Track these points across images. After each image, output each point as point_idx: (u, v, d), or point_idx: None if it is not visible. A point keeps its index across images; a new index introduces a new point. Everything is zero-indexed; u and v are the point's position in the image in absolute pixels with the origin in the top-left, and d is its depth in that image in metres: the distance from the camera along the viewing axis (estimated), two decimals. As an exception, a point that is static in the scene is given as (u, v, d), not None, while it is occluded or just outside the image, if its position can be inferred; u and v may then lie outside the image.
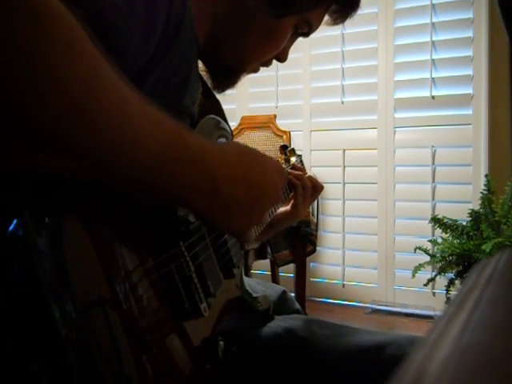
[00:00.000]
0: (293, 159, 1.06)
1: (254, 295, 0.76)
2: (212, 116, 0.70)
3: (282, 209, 0.99)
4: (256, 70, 0.77)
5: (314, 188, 1.00)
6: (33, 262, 0.34)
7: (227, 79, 0.75)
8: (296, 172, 0.99)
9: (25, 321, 0.35)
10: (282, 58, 0.76)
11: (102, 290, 0.40)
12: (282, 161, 1.05)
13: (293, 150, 1.08)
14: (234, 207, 0.52)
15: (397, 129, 2.77)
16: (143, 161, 0.40)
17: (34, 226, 0.35)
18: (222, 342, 0.54)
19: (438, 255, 2.31)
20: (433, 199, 2.64)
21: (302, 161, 1.08)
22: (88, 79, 0.35)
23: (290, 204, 0.99)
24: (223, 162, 0.50)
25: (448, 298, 2.38)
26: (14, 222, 0.35)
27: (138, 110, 0.40)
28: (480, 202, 2.31)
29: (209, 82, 0.76)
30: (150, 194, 0.44)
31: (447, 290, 2.35)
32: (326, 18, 0.75)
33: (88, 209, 0.41)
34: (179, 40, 0.55)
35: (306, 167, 1.09)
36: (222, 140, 0.72)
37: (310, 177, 1.00)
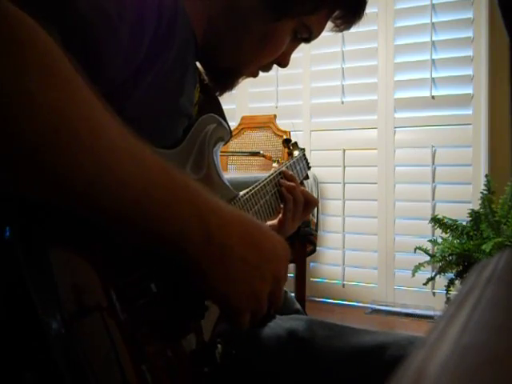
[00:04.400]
0: (296, 153, 1.04)
1: None
2: (211, 115, 0.70)
3: (269, 222, 0.84)
4: (255, 75, 0.74)
5: (307, 203, 0.86)
6: (21, 273, 0.34)
7: (224, 82, 0.73)
8: (288, 183, 0.84)
9: (13, 331, 0.35)
10: (282, 63, 0.73)
11: (96, 294, 0.40)
12: (284, 160, 1.04)
13: (296, 143, 1.06)
14: (230, 258, 0.46)
15: (397, 129, 2.76)
16: (122, 196, 0.39)
17: (23, 236, 0.35)
18: (219, 345, 0.54)
19: (437, 255, 2.31)
20: (433, 199, 2.64)
21: (304, 154, 1.06)
22: (63, 106, 0.35)
23: (278, 219, 0.85)
24: (216, 209, 0.46)
25: (448, 298, 2.38)
26: (6, 231, 0.35)
27: (118, 142, 0.39)
28: (480, 201, 2.30)
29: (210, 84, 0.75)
30: (136, 233, 0.42)
31: (447, 290, 2.34)
32: (330, 24, 0.74)
33: (80, 218, 0.41)
34: (173, 40, 0.55)
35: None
36: (221, 144, 0.71)
37: (303, 190, 0.87)
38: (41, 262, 0.36)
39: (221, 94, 0.75)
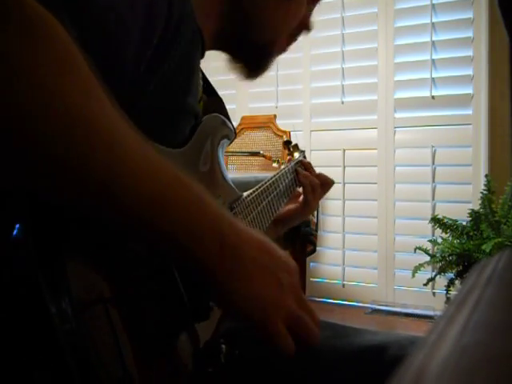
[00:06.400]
0: (296, 155, 1.05)
1: None
2: (216, 114, 0.70)
3: (292, 206, 0.97)
4: (285, 48, 0.75)
5: (324, 185, 0.99)
6: (33, 268, 0.34)
7: (261, 60, 0.73)
8: (304, 172, 0.98)
9: (23, 325, 0.35)
10: (308, 25, 0.74)
11: (102, 293, 0.40)
12: (284, 160, 1.05)
13: (296, 145, 1.07)
14: (244, 265, 0.44)
15: (397, 129, 2.76)
16: (138, 193, 0.38)
17: (35, 232, 0.35)
18: (223, 346, 0.54)
19: (438, 255, 2.31)
20: (433, 199, 2.64)
21: (305, 156, 1.07)
22: (81, 103, 0.35)
23: (301, 201, 0.97)
24: (229, 219, 0.45)
25: (448, 298, 2.38)
26: (16, 227, 0.35)
27: (131, 140, 0.38)
28: (480, 201, 2.31)
29: (239, 72, 0.74)
30: (149, 235, 0.41)
31: (447, 290, 2.35)
32: None
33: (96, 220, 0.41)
34: (180, 39, 0.55)
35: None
36: (225, 143, 0.71)
37: (319, 174, 0.99)
38: (51, 260, 0.36)
39: (257, 74, 0.74)
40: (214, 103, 0.74)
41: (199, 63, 0.67)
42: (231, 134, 0.72)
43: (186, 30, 0.55)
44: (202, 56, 0.68)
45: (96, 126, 0.36)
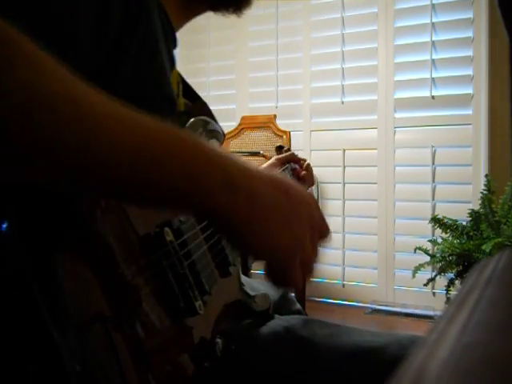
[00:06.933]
0: None
1: (252, 294, 0.75)
2: (201, 117, 0.69)
3: None
4: None
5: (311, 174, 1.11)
6: (23, 266, 0.34)
7: None
8: (302, 173, 1.07)
9: (14, 325, 0.35)
10: None
11: (94, 291, 0.40)
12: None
13: (289, 150, 1.10)
14: (261, 208, 0.42)
15: (397, 129, 2.76)
16: (111, 158, 0.36)
17: (23, 230, 0.35)
18: (219, 340, 0.54)
19: (438, 255, 2.31)
20: (433, 199, 2.64)
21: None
22: (35, 81, 0.33)
23: None
24: (233, 158, 0.42)
25: (448, 298, 2.38)
26: (4, 225, 0.35)
27: (98, 107, 0.36)
28: (480, 201, 2.30)
29: (232, 14, 0.72)
30: (155, 195, 0.39)
31: (447, 290, 2.34)
32: None
33: (78, 210, 0.41)
34: (144, 22, 0.53)
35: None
36: (214, 141, 0.71)
37: (304, 178, 1.07)
38: (42, 258, 0.36)
39: (242, 7, 0.72)
40: (198, 107, 0.74)
41: (170, 47, 0.65)
42: (219, 136, 0.72)
43: (149, 11, 0.54)
44: (175, 44, 0.66)
45: (57, 99, 0.34)
